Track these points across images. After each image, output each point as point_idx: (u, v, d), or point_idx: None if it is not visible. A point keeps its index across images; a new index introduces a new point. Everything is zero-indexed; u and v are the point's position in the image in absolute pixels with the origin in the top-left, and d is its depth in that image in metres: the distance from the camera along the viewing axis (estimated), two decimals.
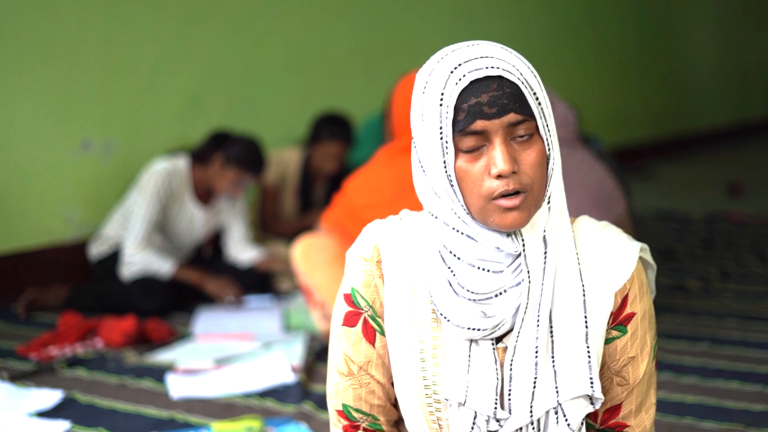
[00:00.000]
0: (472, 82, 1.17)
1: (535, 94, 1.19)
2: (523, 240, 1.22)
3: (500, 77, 1.17)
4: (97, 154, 4.09)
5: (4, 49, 3.77)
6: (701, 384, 2.68)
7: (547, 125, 1.21)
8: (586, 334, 1.25)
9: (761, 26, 10.29)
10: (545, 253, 1.23)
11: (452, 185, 1.20)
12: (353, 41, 5.35)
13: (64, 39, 3.95)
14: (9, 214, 3.83)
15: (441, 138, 1.18)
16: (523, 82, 1.18)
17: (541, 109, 1.20)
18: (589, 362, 1.24)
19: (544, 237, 1.23)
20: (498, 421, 1.25)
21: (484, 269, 1.22)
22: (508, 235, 1.22)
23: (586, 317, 1.25)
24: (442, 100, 1.17)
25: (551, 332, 1.24)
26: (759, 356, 2.92)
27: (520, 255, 1.22)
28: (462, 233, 1.22)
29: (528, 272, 1.22)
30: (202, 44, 4.53)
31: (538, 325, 1.23)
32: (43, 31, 3.88)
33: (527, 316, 1.22)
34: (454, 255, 1.23)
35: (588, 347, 1.25)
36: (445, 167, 1.19)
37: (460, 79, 1.17)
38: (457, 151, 1.18)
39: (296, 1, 5.03)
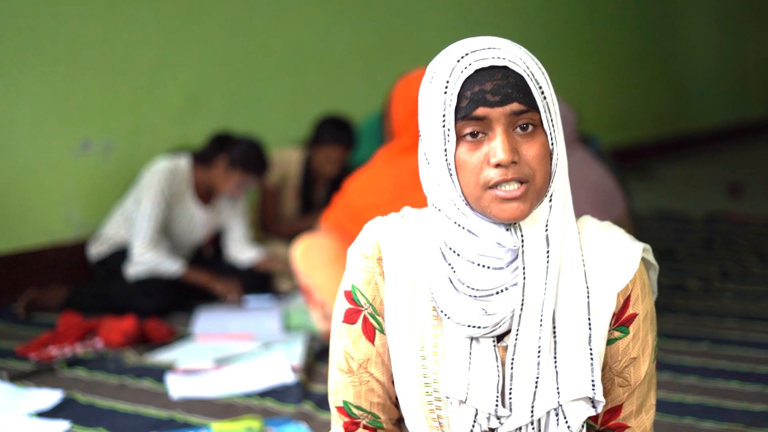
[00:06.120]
0: (477, 71, 1.18)
1: (540, 87, 1.19)
2: (522, 235, 1.22)
3: (505, 68, 1.18)
4: (97, 154, 4.09)
5: (4, 49, 3.77)
6: (701, 384, 2.68)
7: (552, 120, 1.21)
8: (589, 336, 1.24)
9: (761, 26, 10.29)
10: (548, 252, 1.23)
11: (451, 174, 1.20)
12: (353, 41, 5.35)
13: (64, 39, 3.95)
14: (9, 214, 3.83)
15: (443, 126, 1.19)
16: (528, 75, 1.18)
17: (546, 103, 1.20)
18: (592, 364, 1.24)
19: (547, 236, 1.23)
20: (499, 418, 1.24)
21: (483, 266, 1.21)
22: (507, 229, 1.21)
23: (589, 319, 1.25)
24: (446, 88, 1.18)
25: (554, 333, 1.24)
26: (759, 356, 2.92)
27: (519, 252, 1.22)
28: (463, 227, 1.22)
29: (524, 269, 1.21)
30: (202, 44, 4.53)
31: (541, 325, 1.22)
32: (43, 31, 3.87)
33: (525, 314, 1.22)
34: (454, 251, 1.22)
35: (591, 349, 1.24)
36: (445, 155, 1.19)
37: (465, 68, 1.18)
38: (459, 139, 1.19)
39: (296, 1, 5.03)
